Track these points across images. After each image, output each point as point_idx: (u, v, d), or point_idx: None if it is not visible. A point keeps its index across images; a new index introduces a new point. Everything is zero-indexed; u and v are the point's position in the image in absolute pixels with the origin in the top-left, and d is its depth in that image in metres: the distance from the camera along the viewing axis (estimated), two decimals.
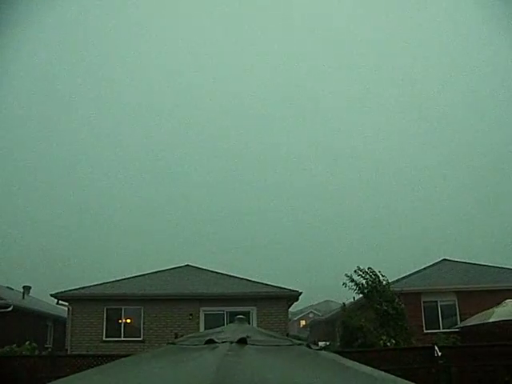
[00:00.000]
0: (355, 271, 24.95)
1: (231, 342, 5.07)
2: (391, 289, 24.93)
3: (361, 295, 25.53)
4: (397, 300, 24.30)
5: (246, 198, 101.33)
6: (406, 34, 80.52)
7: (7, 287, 38.23)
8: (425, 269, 34.24)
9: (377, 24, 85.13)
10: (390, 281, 25.64)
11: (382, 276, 25.02)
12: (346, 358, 5.68)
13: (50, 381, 5.94)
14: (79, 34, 77.78)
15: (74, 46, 79.90)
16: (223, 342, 5.12)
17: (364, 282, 24.73)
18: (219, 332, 5.78)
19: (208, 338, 5.28)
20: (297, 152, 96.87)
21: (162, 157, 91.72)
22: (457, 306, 29.97)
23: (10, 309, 29.75)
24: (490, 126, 77.87)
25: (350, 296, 27.04)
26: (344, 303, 27.83)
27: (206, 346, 5.18)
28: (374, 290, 24.36)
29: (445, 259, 35.48)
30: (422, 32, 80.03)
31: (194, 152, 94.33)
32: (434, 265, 34.94)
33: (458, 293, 30.03)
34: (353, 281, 24.92)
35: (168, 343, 5.67)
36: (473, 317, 26.79)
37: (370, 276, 24.75)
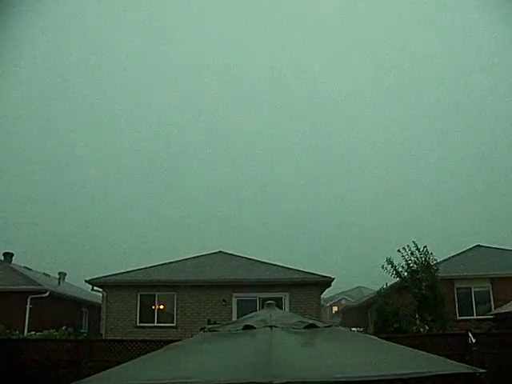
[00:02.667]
0: (399, 250, 24.20)
1: (270, 327, 5.14)
2: (436, 273, 24.14)
3: (397, 278, 25.01)
4: (438, 285, 23.69)
5: (279, 183, 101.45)
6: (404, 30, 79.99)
7: (44, 273, 38.90)
8: (458, 255, 33.97)
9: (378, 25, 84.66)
10: (437, 260, 24.84)
11: (434, 258, 24.21)
12: None
13: (87, 364, 6.10)
14: (79, 32, 78.42)
15: (75, 46, 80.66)
16: (264, 327, 5.19)
17: (414, 259, 23.95)
18: (251, 317, 5.85)
19: (246, 324, 5.35)
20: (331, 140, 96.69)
21: (192, 148, 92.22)
22: (491, 293, 29.72)
23: (46, 294, 30.29)
24: None
25: (383, 282, 26.83)
26: (381, 288, 27.59)
27: (245, 331, 5.25)
28: (417, 272, 23.62)
29: (478, 245, 35.16)
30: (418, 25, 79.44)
31: (218, 144, 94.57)
32: (467, 251, 34.65)
33: (492, 279, 29.76)
34: (392, 264, 24.31)
35: (204, 331, 5.74)
36: (507, 303, 26.53)
37: (424, 255, 23.95)
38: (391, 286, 26.86)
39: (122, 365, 5.39)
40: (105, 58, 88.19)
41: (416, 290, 23.16)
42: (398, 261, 24.41)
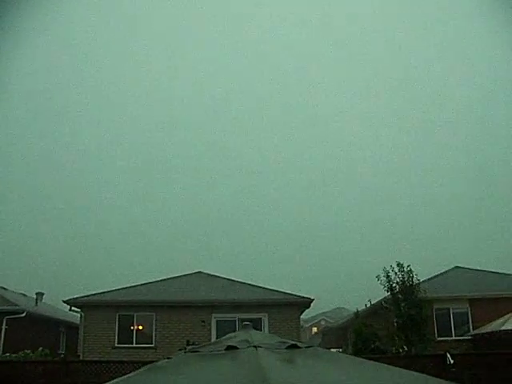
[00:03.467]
0: (391, 267, 24.39)
1: (255, 347, 5.13)
2: (421, 293, 24.33)
3: (377, 298, 25.15)
4: (425, 306, 23.84)
5: (256, 204, 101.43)
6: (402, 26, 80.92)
7: (21, 294, 38.46)
8: (437, 276, 34.14)
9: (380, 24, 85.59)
10: (420, 280, 25.08)
11: (417, 278, 24.45)
12: None
13: None
14: (80, 30, 78.35)
15: (76, 44, 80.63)
16: (248, 347, 5.18)
17: (399, 279, 24.22)
18: (231, 338, 5.84)
19: (228, 344, 5.34)
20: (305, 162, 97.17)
21: (169, 161, 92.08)
22: (469, 314, 29.85)
23: (23, 315, 29.96)
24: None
25: (363, 303, 26.95)
26: (357, 310, 27.70)
27: (228, 351, 5.24)
28: (404, 291, 23.84)
29: (457, 266, 35.39)
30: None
31: (199, 155, 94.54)
32: (445, 272, 34.85)
33: (471, 300, 29.92)
34: (388, 276, 24.46)
35: (185, 351, 5.71)
36: (485, 325, 26.69)
37: (407, 274, 24.19)
38: (369, 307, 26.99)
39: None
40: (107, 54, 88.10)
41: (403, 310, 23.24)
42: (381, 281, 24.67)
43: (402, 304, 23.52)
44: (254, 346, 5.12)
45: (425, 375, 5.30)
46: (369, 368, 5.50)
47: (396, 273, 24.38)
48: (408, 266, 24.43)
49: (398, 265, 24.51)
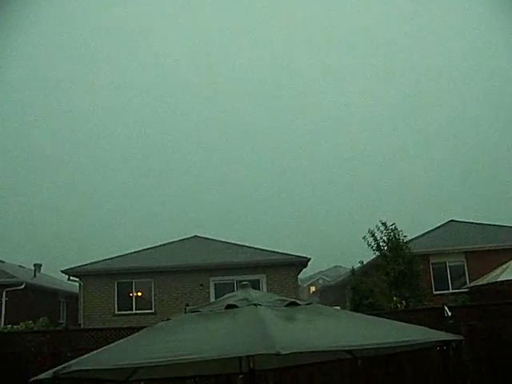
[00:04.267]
0: (377, 226, 24.53)
1: (255, 305, 5.14)
2: (411, 249, 24.49)
3: (373, 256, 25.29)
4: (415, 261, 24.00)
5: (252, 166, 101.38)
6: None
7: (19, 266, 38.53)
8: (432, 230, 34.30)
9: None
10: (409, 238, 25.21)
11: (403, 235, 24.58)
12: None
13: (67, 354, 6.07)
14: (80, 27, 77.55)
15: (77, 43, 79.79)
16: (248, 305, 5.20)
17: (385, 238, 24.34)
18: (230, 297, 5.85)
19: (228, 303, 5.36)
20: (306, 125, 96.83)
21: (171, 128, 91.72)
22: (465, 267, 30.06)
23: (22, 287, 30.05)
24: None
25: (358, 260, 27.05)
26: (353, 267, 27.84)
27: (228, 310, 5.25)
28: (393, 248, 23.97)
29: (452, 220, 35.51)
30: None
31: (198, 124, 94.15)
32: (441, 226, 34.98)
33: (467, 253, 30.10)
34: (374, 236, 24.54)
35: (186, 312, 5.72)
36: (482, 277, 26.89)
37: (393, 232, 24.28)
38: (365, 264, 27.10)
39: (104, 348, 5.34)
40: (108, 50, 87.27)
41: (395, 266, 23.34)
42: (368, 241, 24.78)
43: (391, 261, 23.59)
44: (254, 304, 5.14)
45: (419, 326, 5.36)
46: (367, 320, 5.57)
47: (382, 231, 24.46)
48: (392, 224, 24.48)
49: (383, 224, 24.58)
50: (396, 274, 23.25)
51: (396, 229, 24.39)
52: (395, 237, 24.20)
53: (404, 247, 24.15)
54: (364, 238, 24.86)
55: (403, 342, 4.99)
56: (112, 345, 5.40)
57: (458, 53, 79.53)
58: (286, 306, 5.40)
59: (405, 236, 24.68)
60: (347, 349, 5.69)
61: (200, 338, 4.72)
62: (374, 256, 25.51)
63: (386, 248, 24.33)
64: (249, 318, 4.83)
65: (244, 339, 4.42)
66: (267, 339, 4.15)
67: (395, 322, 5.56)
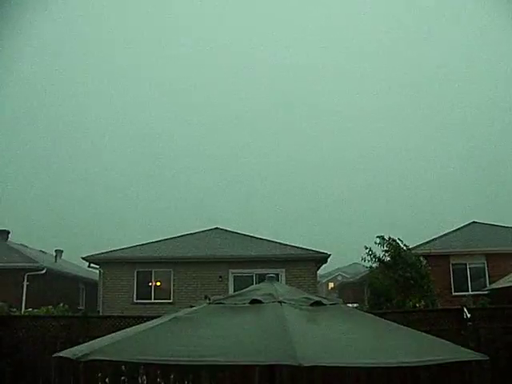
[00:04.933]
0: (375, 242, 24.16)
1: (280, 302, 5.10)
2: (413, 253, 24.09)
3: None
4: (424, 263, 23.70)
5: (276, 161, 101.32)
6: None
7: (40, 251, 38.93)
8: (454, 231, 34.05)
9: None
10: (410, 246, 24.90)
11: (403, 244, 24.24)
12: None
13: (85, 340, 6.08)
14: (81, 25, 77.88)
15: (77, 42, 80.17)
16: (272, 302, 5.15)
17: (384, 252, 24.00)
18: (255, 290, 5.80)
19: (253, 298, 5.31)
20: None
21: (188, 120, 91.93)
22: (486, 269, 29.84)
23: (43, 272, 30.39)
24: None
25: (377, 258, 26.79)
26: (371, 266, 27.61)
27: (252, 305, 5.19)
28: (396, 259, 23.65)
29: (474, 222, 35.24)
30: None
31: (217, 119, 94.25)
32: (463, 227, 34.72)
33: (488, 255, 29.87)
34: (371, 253, 24.13)
35: (209, 302, 5.67)
36: (502, 279, 26.68)
37: (391, 245, 23.95)
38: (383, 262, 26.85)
39: (124, 332, 5.30)
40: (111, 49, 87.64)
41: (400, 273, 23.02)
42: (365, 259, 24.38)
43: (400, 268, 23.20)
44: (279, 302, 5.09)
45: (448, 342, 5.27)
46: (394, 331, 5.43)
47: (381, 245, 24.02)
48: (389, 239, 24.03)
49: (381, 238, 24.09)
50: (402, 280, 22.92)
51: (394, 240, 23.99)
52: (398, 248, 23.74)
53: (404, 253, 23.67)
54: (363, 259, 24.40)
55: (434, 360, 5.01)
56: (131, 330, 5.37)
57: (474, 51, 78.54)
58: (310, 305, 5.34)
59: (406, 245, 24.26)
60: (370, 366, 5.60)
61: (224, 337, 4.66)
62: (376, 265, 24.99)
63: (388, 260, 23.92)
64: (273, 319, 4.77)
65: (266, 347, 4.36)
66: (290, 350, 4.09)
67: (423, 334, 5.48)
